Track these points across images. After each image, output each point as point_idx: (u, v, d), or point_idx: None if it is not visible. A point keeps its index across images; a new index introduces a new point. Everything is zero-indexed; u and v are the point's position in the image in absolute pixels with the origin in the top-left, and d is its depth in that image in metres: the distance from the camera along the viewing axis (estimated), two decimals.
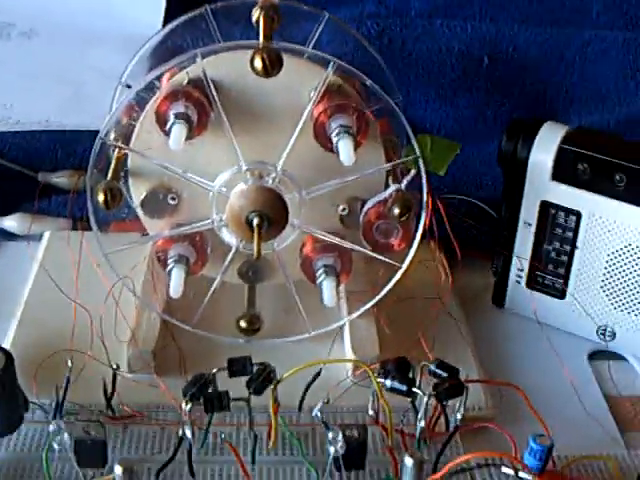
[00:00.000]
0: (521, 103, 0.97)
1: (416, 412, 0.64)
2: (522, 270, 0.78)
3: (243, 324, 0.72)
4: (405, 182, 0.69)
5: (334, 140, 0.66)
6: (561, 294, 0.78)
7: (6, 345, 0.70)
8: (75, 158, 0.88)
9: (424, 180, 0.68)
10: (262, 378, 0.61)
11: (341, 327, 0.73)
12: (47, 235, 0.83)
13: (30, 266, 0.80)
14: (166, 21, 0.97)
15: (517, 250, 0.78)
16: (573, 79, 0.98)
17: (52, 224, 0.84)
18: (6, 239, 0.85)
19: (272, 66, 0.63)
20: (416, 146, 0.67)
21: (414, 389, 0.62)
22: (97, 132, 0.66)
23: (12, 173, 0.87)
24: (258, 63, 0.63)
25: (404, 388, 0.62)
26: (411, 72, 0.96)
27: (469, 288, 0.82)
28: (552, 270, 0.77)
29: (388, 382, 0.62)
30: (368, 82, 0.66)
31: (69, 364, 0.63)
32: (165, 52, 0.75)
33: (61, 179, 0.86)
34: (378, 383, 0.63)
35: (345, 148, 0.65)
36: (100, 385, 0.64)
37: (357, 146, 0.66)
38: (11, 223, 0.84)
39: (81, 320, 0.70)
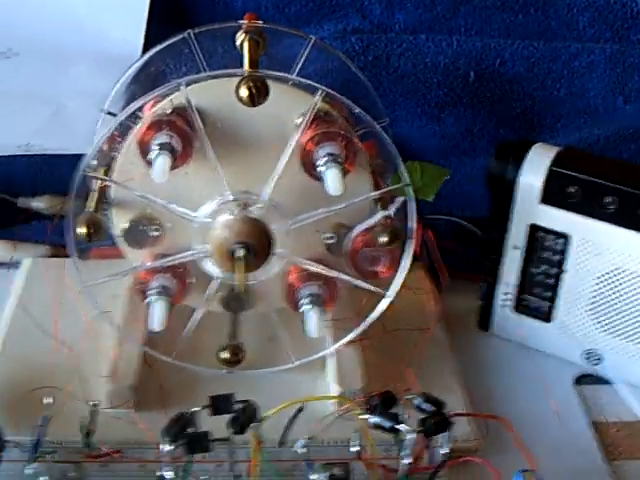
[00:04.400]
0: (508, 119, 0.96)
1: (400, 447, 0.62)
2: (509, 294, 0.78)
3: (225, 355, 0.69)
4: (393, 209, 0.67)
5: (321, 169, 0.64)
6: (548, 317, 0.77)
7: None
8: (55, 182, 0.85)
9: (413, 209, 0.66)
10: (245, 417, 0.59)
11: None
12: (27, 262, 0.81)
13: (9, 295, 0.78)
14: (147, 38, 0.95)
15: (504, 273, 0.77)
16: (560, 93, 0.97)
17: (32, 251, 0.82)
18: None
19: (259, 95, 0.62)
20: (405, 174, 0.66)
21: (398, 426, 0.61)
22: (77, 155, 0.64)
23: None
24: (244, 92, 0.62)
25: (388, 425, 0.61)
26: (396, 89, 0.94)
27: (455, 311, 0.81)
28: (539, 293, 0.76)
29: (372, 419, 0.61)
30: (357, 110, 0.65)
31: (48, 401, 0.62)
32: (146, 77, 0.73)
33: (41, 204, 0.85)
34: (362, 420, 0.61)
35: (333, 178, 0.63)
36: (79, 422, 0.63)
37: (345, 174, 0.64)
38: None
39: (60, 354, 0.69)
